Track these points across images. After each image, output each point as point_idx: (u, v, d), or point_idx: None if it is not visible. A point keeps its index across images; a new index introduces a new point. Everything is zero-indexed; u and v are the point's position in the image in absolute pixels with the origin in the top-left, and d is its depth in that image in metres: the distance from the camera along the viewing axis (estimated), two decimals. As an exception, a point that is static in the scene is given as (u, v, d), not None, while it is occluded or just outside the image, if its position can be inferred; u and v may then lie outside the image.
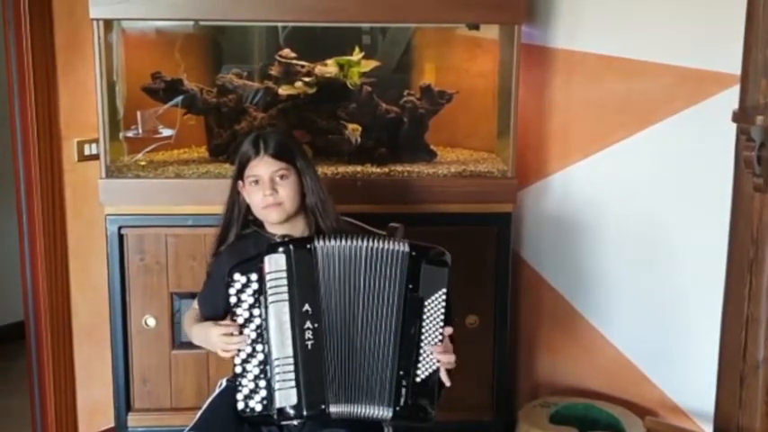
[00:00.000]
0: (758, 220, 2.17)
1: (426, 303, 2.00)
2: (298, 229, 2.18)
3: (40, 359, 2.98)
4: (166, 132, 2.88)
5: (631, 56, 2.76)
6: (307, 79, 2.85)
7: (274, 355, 1.99)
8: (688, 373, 2.77)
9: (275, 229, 2.17)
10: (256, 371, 2.02)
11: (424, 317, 2.00)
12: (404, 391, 1.98)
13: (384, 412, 1.99)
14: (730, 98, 2.34)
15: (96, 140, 2.73)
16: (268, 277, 1.99)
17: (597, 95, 2.85)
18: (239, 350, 2.03)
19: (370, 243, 2.01)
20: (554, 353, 3.08)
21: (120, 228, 2.69)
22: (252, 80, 2.94)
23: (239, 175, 2.17)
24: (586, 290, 2.97)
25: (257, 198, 2.14)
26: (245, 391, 2.02)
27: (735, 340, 2.26)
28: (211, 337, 2.07)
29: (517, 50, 2.68)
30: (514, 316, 3.01)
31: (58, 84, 2.88)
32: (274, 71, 2.89)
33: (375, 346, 2.00)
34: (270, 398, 1.99)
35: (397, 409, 1.98)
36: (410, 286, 2.00)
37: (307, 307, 1.99)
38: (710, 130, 2.60)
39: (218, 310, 2.15)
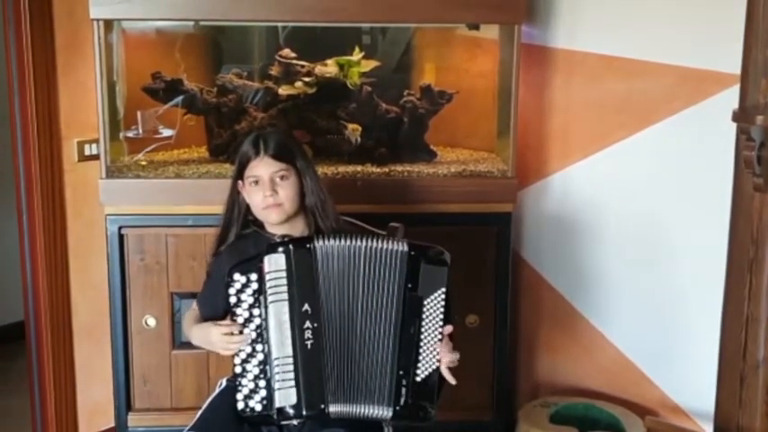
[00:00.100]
0: (758, 220, 2.17)
1: (426, 303, 2.00)
2: (297, 229, 2.18)
3: (40, 359, 2.98)
4: (167, 132, 2.88)
5: (631, 56, 2.76)
6: (307, 79, 2.85)
7: (274, 354, 1.99)
8: (688, 372, 2.77)
9: (275, 229, 2.17)
10: (256, 371, 2.02)
11: (424, 316, 2.00)
12: (403, 390, 1.98)
13: (384, 412, 1.99)
14: (730, 98, 2.34)
15: (96, 140, 2.74)
16: (268, 277, 1.99)
17: (597, 95, 2.85)
18: (239, 350, 2.03)
19: (370, 243, 2.01)
20: (554, 353, 3.08)
21: (120, 228, 2.69)
22: (252, 80, 2.94)
23: (239, 175, 2.17)
24: (586, 290, 2.97)
25: (257, 198, 2.14)
26: (245, 390, 2.02)
27: (735, 340, 2.26)
28: (212, 337, 2.07)
29: (517, 50, 2.68)
30: (514, 316, 3.01)
31: (59, 84, 2.88)
32: (274, 71, 2.89)
33: (374, 345, 2.00)
34: (270, 398, 1.99)
35: (397, 408, 1.98)
36: (409, 286, 2.00)
37: (306, 307, 1.99)
38: (710, 129, 2.59)
39: (217, 310, 2.14)
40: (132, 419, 2.80)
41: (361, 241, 2.01)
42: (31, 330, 2.99)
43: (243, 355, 2.03)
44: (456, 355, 2.02)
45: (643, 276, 2.85)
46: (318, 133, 2.88)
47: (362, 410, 1.99)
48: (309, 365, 1.98)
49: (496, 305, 2.82)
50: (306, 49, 2.88)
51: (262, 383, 2.01)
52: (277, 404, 1.98)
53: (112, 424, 2.86)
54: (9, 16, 2.79)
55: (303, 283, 1.99)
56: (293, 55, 2.87)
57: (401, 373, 1.99)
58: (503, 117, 2.83)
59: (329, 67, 2.85)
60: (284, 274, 1.99)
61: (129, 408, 2.80)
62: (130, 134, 2.86)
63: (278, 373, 1.98)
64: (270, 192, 2.11)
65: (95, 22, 2.59)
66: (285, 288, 1.99)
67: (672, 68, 2.68)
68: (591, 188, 2.92)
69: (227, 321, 2.06)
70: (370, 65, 2.86)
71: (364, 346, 2.01)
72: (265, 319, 2.00)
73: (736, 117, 2.17)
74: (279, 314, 1.99)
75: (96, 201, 2.72)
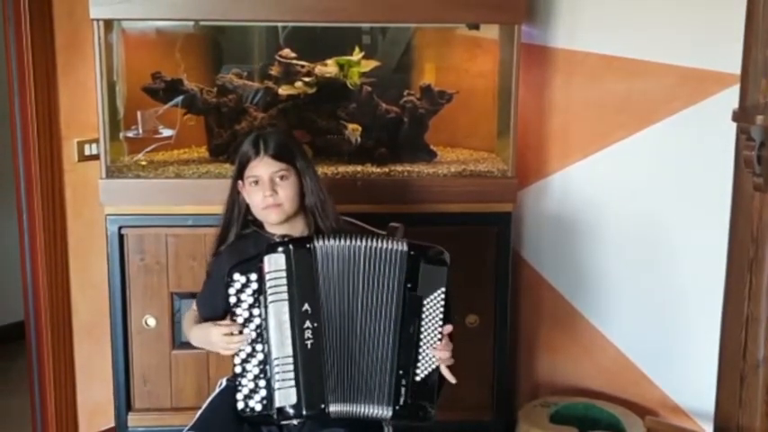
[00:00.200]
0: (758, 220, 2.17)
1: (425, 302, 2.00)
2: (297, 229, 2.18)
3: (40, 359, 2.98)
4: (167, 132, 2.88)
5: (631, 56, 2.76)
6: (307, 79, 2.85)
7: (274, 354, 1.99)
8: (688, 372, 2.77)
9: (275, 229, 2.17)
10: (256, 371, 2.02)
11: (423, 316, 2.00)
12: (403, 390, 1.98)
13: (384, 411, 1.99)
14: (730, 98, 2.34)
15: (96, 140, 2.74)
16: (268, 277, 1.99)
17: (597, 95, 2.85)
18: (239, 350, 2.03)
19: (369, 242, 2.01)
20: (554, 353, 3.08)
21: (120, 228, 2.70)
22: (252, 80, 2.94)
23: (239, 175, 2.17)
24: (586, 290, 2.97)
25: (257, 198, 2.14)
26: (245, 390, 2.02)
27: (735, 340, 2.26)
28: (212, 337, 2.07)
29: (517, 50, 2.68)
30: (514, 316, 3.01)
31: (59, 84, 2.88)
32: (274, 71, 2.89)
33: (374, 345, 2.00)
34: (270, 397, 1.99)
35: (397, 408, 1.98)
36: (409, 285, 2.00)
37: (306, 306, 1.99)
38: (710, 129, 2.60)
39: (217, 310, 2.14)
40: (132, 419, 2.80)
41: (361, 241, 2.01)
42: (31, 330, 2.99)
43: (243, 355, 2.03)
44: (448, 353, 2.02)
45: (643, 276, 2.85)
46: (318, 133, 2.88)
47: (362, 410, 2.00)
48: (309, 365, 1.98)
49: (496, 305, 2.82)
50: (306, 49, 2.88)
51: (262, 383, 2.01)
52: (277, 404, 1.98)
53: (112, 424, 2.86)
54: (9, 16, 2.79)
55: (303, 282, 1.99)
56: (293, 55, 2.88)
57: (401, 372, 1.99)
58: (503, 117, 2.83)
59: (329, 67, 2.85)
60: (284, 273, 1.99)
61: (129, 408, 2.80)
62: (130, 134, 2.86)
63: (278, 372, 1.98)
64: (270, 192, 2.11)
65: (95, 22, 2.59)
66: (285, 288, 1.99)
67: (672, 68, 2.68)
68: (591, 188, 2.92)
69: (227, 321, 2.07)
70: (370, 65, 2.86)
71: (364, 345, 2.01)
72: (265, 319, 2.00)
73: (736, 117, 2.16)
74: (279, 314, 1.99)
75: (96, 201, 2.72)
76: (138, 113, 2.85)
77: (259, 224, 2.21)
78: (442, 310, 2.02)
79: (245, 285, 2.02)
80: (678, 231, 2.76)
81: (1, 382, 3.74)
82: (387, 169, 2.81)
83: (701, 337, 2.63)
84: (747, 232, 2.19)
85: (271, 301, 1.99)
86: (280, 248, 2.00)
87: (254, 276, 2.01)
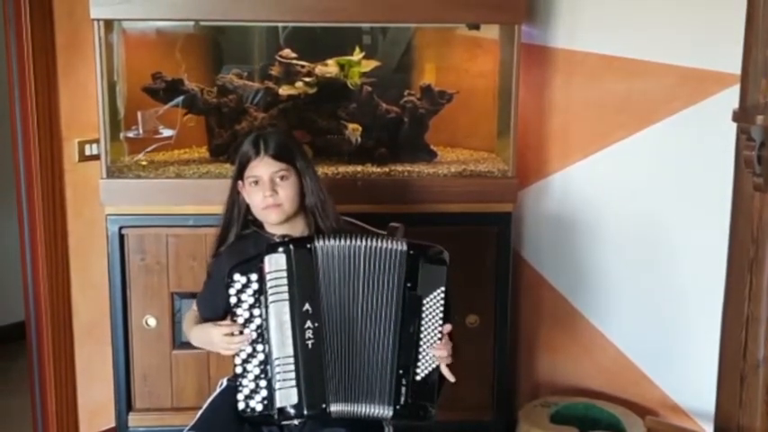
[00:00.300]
0: (758, 220, 2.17)
1: (425, 302, 2.01)
2: (297, 229, 2.19)
3: (40, 359, 2.98)
4: (167, 132, 2.88)
5: (631, 56, 2.76)
6: (307, 79, 2.85)
7: (275, 354, 1.99)
8: (688, 372, 2.77)
9: (275, 229, 2.17)
10: (257, 371, 2.02)
11: (423, 315, 2.00)
12: (404, 389, 1.98)
13: (384, 411, 1.99)
14: (730, 98, 2.34)
15: (97, 141, 2.74)
16: (268, 277, 1.99)
17: (597, 95, 2.85)
18: (240, 350, 2.03)
19: (369, 242, 2.01)
20: (554, 352, 3.08)
21: (120, 228, 2.70)
22: (252, 80, 2.94)
23: (239, 175, 2.17)
24: (586, 289, 2.97)
25: (257, 199, 2.14)
26: (246, 391, 2.02)
27: (735, 340, 2.26)
28: (213, 337, 2.07)
29: (517, 50, 2.68)
30: (515, 316, 3.01)
31: (59, 84, 2.88)
32: (275, 71, 2.89)
33: (374, 344, 2.00)
34: (270, 397, 2.00)
35: (398, 407, 1.98)
36: (408, 285, 2.00)
37: (307, 306, 1.99)
38: (710, 129, 2.60)
39: (217, 311, 2.15)
40: (133, 419, 2.80)
41: (361, 241, 2.01)
42: (31, 330, 2.99)
43: (243, 356, 2.03)
44: (446, 352, 2.02)
45: (643, 276, 2.85)
46: (319, 133, 2.89)
47: (363, 410, 2.00)
48: (310, 365, 1.98)
49: (497, 305, 2.83)
50: (306, 50, 2.88)
51: (262, 383, 2.01)
52: (278, 404, 1.98)
53: (113, 424, 2.86)
54: (10, 16, 2.79)
55: (304, 282, 1.99)
56: (293, 55, 2.88)
57: (401, 372, 1.99)
58: (503, 117, 2.83)
59: (329, 68, 2.85)
60: (285, 274, 1.99)
61: (129, 408, 2.80)
62: (131, 134, 2.86)
63: (279, 372, 1.98)
64: (270, 192, 2.11)
65: (96, 22, 2.59)
66: (286, 288, 1.99)
67: (672, 68, 2.68)
68: (591, 188, 2.92)
69: (228, 322, 2.07)
70: (370, 65, 2.86)
71: (364, 345, 2.01)
72: (266, 319, 2.00)
73: (737, 117, 2.17)
74: (279, 314, 1.99)
75: (97, 201, 2.72)
76: (139, 114, 2.85)
77: (259, 224, 2.21)
78: (441, 309, 2.02)
79: (245, 286, 2.02)
80: (678, 231, 2.76)
81: (1, 382, 3.74)
82: (387, 169, 2.81)
83: (701, 337, 2.63)
84: (747, 232, 2.19)
85: (271, 302, 1.99)
86: (280, 248, 2.00)
87: (254, 276, 2.01)
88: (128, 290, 2.74)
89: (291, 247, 2.00)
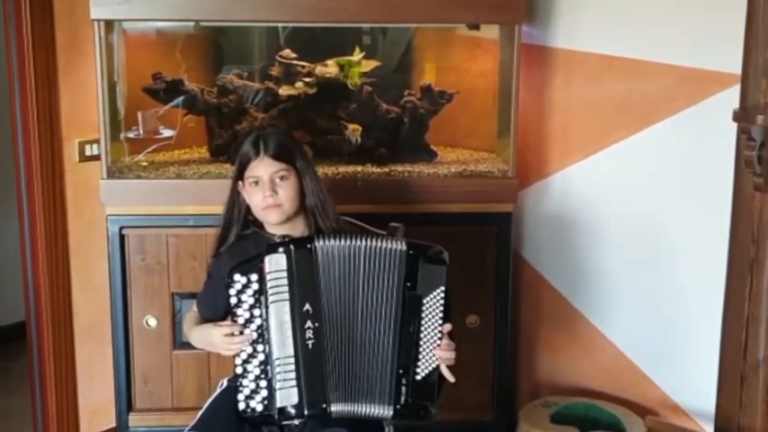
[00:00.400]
0: (758, 220, 2.17)
1: (425, 301, 2.01)
2: (297, 229, 2.19)
3: (41, 359, 2.98)
4: (167, 133, 2.89)
5: (631, 56, 2.76)
6: (307, 80, 2.85)
7: (275, 354, 1.99)
8: (688, 372, 2.77)
9: (275, 229, 2.17)
10: (257, 371, 2.02)
11: (423, 315, 2.00)
12: (404, 389, 1.98)
13: (384, 411, 1.99)
14: (730, 98, 2.34)
15: (97, 141, 2.74)
16: (268, 277, 1.99)
17: (597, 95, 2.85)
18: (240, 350, 2.03)
19: (369, 242, 2.01)
20: (554, 352, 3.08)
21: (121, 228, 2.70)
22: (252, 81, 2.95)
23: (239, 175, 2.17)
24: (586, 289, 2.97)
25: (257, 199, 2.14)
26: (246, 391, 2.02)
27: (735, 340, 2.26)
28: (213, 338, 2.07)
29: (517, 50, 2.68)
30: (515, 315, 3.01)
31: (59, 84, 2.88)
32: (275, 72, 2.89)
33: (375, 344, 2.00)
34: (271, 398, 2.00)
35: (398, 407, 1.98)
36: (408, 285, 2.00)
37: (307, 306, 1.99)
38: (710, 129, 2.60)
39: (217, 311, 2.15)
40: (133, 420, 2.80)
41: (361, 241, 2.01)
42: (32, 330, 2.99)
43: (244, 356, 2.03)
44: (452, 354, 2.02)
45: (643, 276, 2.85)
46: (319, 133, 2.89)
47: (363, 409, 2.00)
48: (311, 365, 1.98)
49: (497, 305, 2.83)
50: (306, 50, 2.89)
51: (263, 384, 2.01)
52: (279, 404, 1.98)
53: (113, 424, 2.86)
54: (10, 16, 2.79)
55: (304, 282, 1.99)
56: (293, 55, 2.88)
57: (401, 371, 1.99)
58: (503, 117, 2.83)
59: (329, 68, 2.85)
60: (285, 274, 1.99)
61: (130, 408, 2.80)
62: (131, 135, 2.86)
63: (279, 373, 1.98)
64: (270, 192, 2.12)
65: (96, 23, 2.59)
66: (286, 288, 1.99)
67: (672, 68, 2.68)
68: (591, 188, 2.92)
69: (228, 322, 2.07)
70: (370, 65, 2.86)
71: (364, 345, 2.01)
72: (266, 320, 2.00)
73: (737, 117, 2.17)
74: (280, 314, 1.99)
75: (97, 201, 2.72)
76: (139, 114, 2.85)
77: (259, 224, 2.21)
78: (441, 309, 2.02)
79: (245, 286, 2.02)
80: (678, 231, 2.76)
81: (2, 382, 3.74)
82: (387, 169, 2.81)
83: (701, 337, 2.63)
84: (748, 232, 2.19)
85: (272, 302, 1.99)
86: (280, 249, 2.00)
87: (254, 277, 2.01)
88: (128, 290, 2.75)
89: (292, 247, 2.00)
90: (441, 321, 2.02)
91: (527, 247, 3.07)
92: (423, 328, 2.01)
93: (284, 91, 2.85)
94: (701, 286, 2.69)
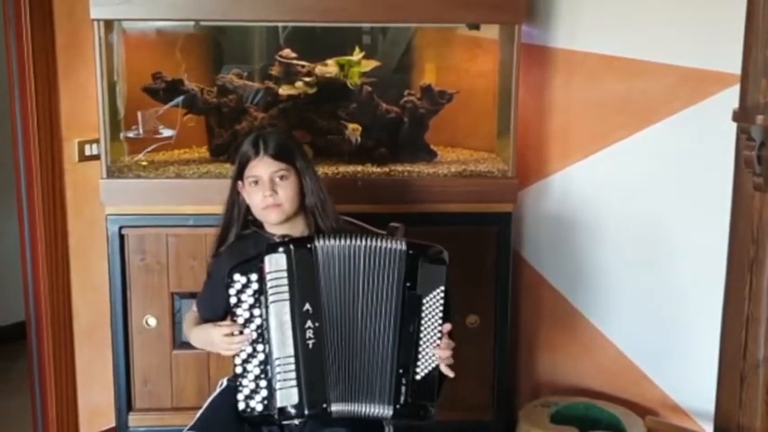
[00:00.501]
0: (758, 220, 2.17)
1: (424, 301, 2.01)
2: (297, 229, 2.19)
3: (40, 359, 2.98)
4: (167, 132, 2.89)
5: (631, 56, 2.76)
6: (307, 79, 2.85)
7: (275, 354, 1.99)
8: (688, 372, 2.77)
9: (275, 229, 2.17)
10: (257, 371, 2.02)
11: (423, 315, 2.00)
12: (404, 389, 1.98)
13: (384, 410, 1.99)
14: (730, 98, 2.34)
15: (97, 141, 2.74)
16: (268, 277, 1.99)
17: (597, 95, 2.85)
18: (240, 350, 2.03)
19: (369, 242, 2.01)
20: (554, 352, 3.08)
21: (120, 228, 2.70)
22: (252, 80, 2.95)
23: (239, 175, 2.17)
24: (586, 289, 2.97)
25: (257, 198, 2.14)
26: (246, 391, 2.02)
27: (735, 339, 2.26)
28: (213, 338, 2.07)
29: (517, 50, 2.68)
30: (515, 315, 3.01)
31: (59, 84, 2.88)
32: (275, 71, 2.89)
33: (375, 344, 2.00)
34: (271, 397, 2.00)
35: (398, 407, 1.98)
36: (408, 284, 2.00)
37: (307, 306, 1.99)
38: (710, 129, 2.60)
39: (217, 311, 2.15)
40: (133, 419, 2.80)
41: (361, 240, 2.01)
42: (31, 330, 2.99)
43: (243, 356, 2.03)
44: (448, 353, 2.02)
45: (643, 276, 2.85)
46: (319, 133, 2.89)
47: (363, 409, 2.00)
48: (311, 365, 1.98)
49: (497, 305, 2.83)
50: (306, 49, 2.89)
51: (263, 383, 2.01)
52: (279, 404, 1.98)
53: (113, 424, 2.86)
54: (10, 16, 2.79)
55: (304, 282, 1.99)
56: (293, 55, 2.88)
57: (401, 371, 1.99)
58: (503, 117, 2.83)
59: (329, 68, 2.85)
60: (285, 273, 1.99)
61: (129, 408, 2.80)
62: (131, 134, 2.86)
63: (279, 372, 1.98)
64: (269, 192, 2.12)
65: (96, 23, 2.59)
66: (286, 288, 1.99)
67: (672, 68, 2.68)
68: (591, 188, 2.92)
69: (228, 322, 2.07)
70: (370, 65, 2.86)
71: (364, 344, 2.01)
72: (266, 319, 2.00)
73: (737, 117, 2.17)
74: (280, 314, 1.99)
75: (97, 201, 2.72)
76: (139, 114, 2.85)
77: (259, 224, 2.21)
78: (441, 308, 2.02)
79: (245, 286, 2.02)
80: (678, 231, 2.76)
81: (1, 383, 3.74)
82: (387, 169, 2.81)
83: (701, 337, 2.63)
84: (747, 232, 2.19)
85: (272, 302, 1.99)
86: (280, 248, 2.00)
87: (254, 277, 2.01)
88: (128, 290, 2.74)
89: (291, 246, 2.00)
90: (440, 321, 2.02)
91: (527, 247, 3.07)
92: (422, 328, 2.01)
93: (284, 91, 2.85)
94: (701, 286, 2.69)
